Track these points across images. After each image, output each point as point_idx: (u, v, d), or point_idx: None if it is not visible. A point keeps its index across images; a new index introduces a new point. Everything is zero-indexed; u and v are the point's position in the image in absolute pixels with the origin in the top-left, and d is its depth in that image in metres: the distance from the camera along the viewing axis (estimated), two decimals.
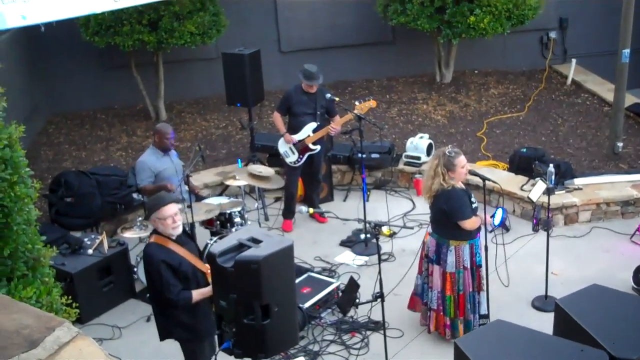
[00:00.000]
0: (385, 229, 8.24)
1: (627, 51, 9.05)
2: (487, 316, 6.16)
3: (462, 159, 5.83)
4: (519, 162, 9.02)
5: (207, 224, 7.43)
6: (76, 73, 12.08)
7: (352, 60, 12.85)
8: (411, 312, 6.57)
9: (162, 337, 5.33)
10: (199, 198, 7.63)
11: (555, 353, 3.85)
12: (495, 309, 6.39)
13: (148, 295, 7.12)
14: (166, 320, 5.22)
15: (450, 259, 5.96)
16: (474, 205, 5.93)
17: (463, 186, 5.95)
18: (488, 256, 6.04)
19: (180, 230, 5.12)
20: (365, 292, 6.42)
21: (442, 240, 5.98)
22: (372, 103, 8.05)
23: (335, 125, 8.21)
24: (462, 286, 6.02)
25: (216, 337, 4.33)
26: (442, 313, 6.13)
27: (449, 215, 5.84)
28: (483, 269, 6.05)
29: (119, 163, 10.31)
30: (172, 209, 5.03)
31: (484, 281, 6.09)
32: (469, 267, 5.99)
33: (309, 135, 8.24)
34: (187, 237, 5.34)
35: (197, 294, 5.02)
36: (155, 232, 5.13)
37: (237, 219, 7.39)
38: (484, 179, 5.95)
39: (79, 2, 7.07)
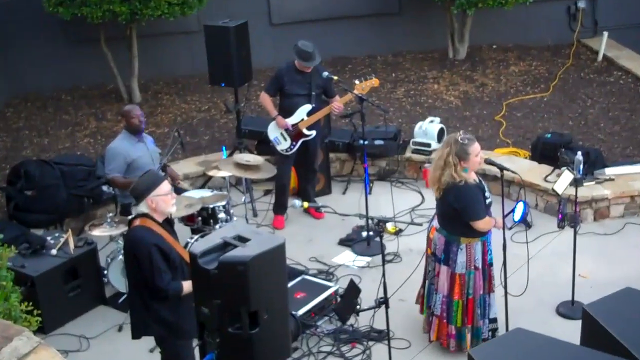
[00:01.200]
0: (390, 226, 8.24)
1: None
2: (496, 320, 6.19)
3: (476, 147, 5.83)
4: (543, 150, 9.03)
5: (187, 220, 7.42)
6: (37, 49, 12.03)
7: (353, 33, 12.84)
8: (416, 317, 6.59)
9: (137, 334, 5.41)
10: (178, 191, 7.62)
11: None
12: (515, 316, 6.41)
13: (124, 298, 7.18)
14: (146, 314, 5.30)
15: (461, 258, 5.98)
16: (487, 200, 5.94)
17: (476, 178, 5.95)
18: (507, 256, 6.05)
19: (175, 209, 5.42)
20: (367, 297, 6.43)
21: (452, 237, 5.99)
22: (374, 82, 8.04)
23: (340, 102, 8.20)
24: (471, 289, 6.04)
25: (197, 348, 4.34)
26: (445, 321, 6.15)
27: (460, 214, 5.85)
28: (495, 267, 6.07)
29: (87, 151, 10.29)
30: (167, 185, 5.34)
31: (495, 281, 6.11)
32: (480, 266, 6.01)
33: (302, 119, 8.23)
34: (168, 224, 5.46)
35: (188, 286, 5.08)
36: (141, 215, 5.27)
37: (222, 215, 7.40)
38: (502, 168, 5.95)
39: None
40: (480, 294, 6.08)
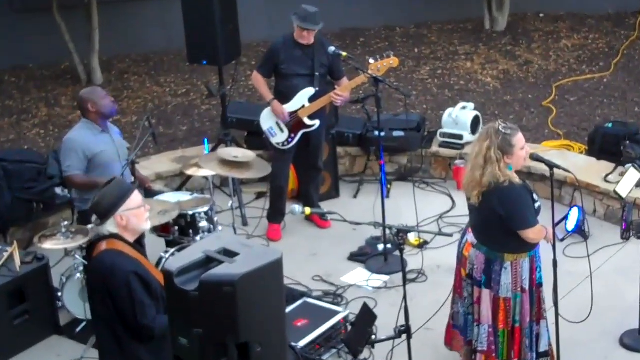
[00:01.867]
0: (412, 237, 8.23)
1: None
2: (548, 354, 6.17)
3: (521, 137, 5.82)
4: (603, 143, 9.02)
5: (160, 230, 7.42)
6: None
7: (366, 0, 12.84)
8: (452, 355, 6.56)
9: None
10: (150, 194, 7.62)
11: None
12: (570, 348, 6.39)
13: (82, 326, 7.17)
14: (122, 357, 5.22)
15: (505, 279, 5.95)
16: (536, 205, 5.93)
17: (518, 179, 5.93)
18: (558, 274, 6.04)
19: (150, 224, 5.34)
20: (384, 325, 6.41)
21: (494, 254, 5.96)
22: (393, 61, 8.03)
23: (342, 91, 8.20)
24: (518, 316, 6.03)
25: None
26: (494, 355, 6.13)
27: (506, 222, 5.83)
28: (545, 290, 6.05)
29: (36, 144, 10.29)
30: (138, 195, 5.24)
31: (545, 306, 6.09)
32: (527, 288, 5.99)
33: (303, 106, 8.23)
34: (138, 244, 5.41)
35: None
36: (108, 236, 5.17)
37: (204, 224, 7.39)
38: (552, 166, 5.92)
39: None
40: (528, 321, 6.06)
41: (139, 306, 5.03)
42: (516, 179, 5.86)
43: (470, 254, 6.08)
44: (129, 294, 5.03)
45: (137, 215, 5.17)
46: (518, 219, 5.82)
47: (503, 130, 5.77)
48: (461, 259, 6.18)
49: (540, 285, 6.07)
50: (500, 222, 5.83)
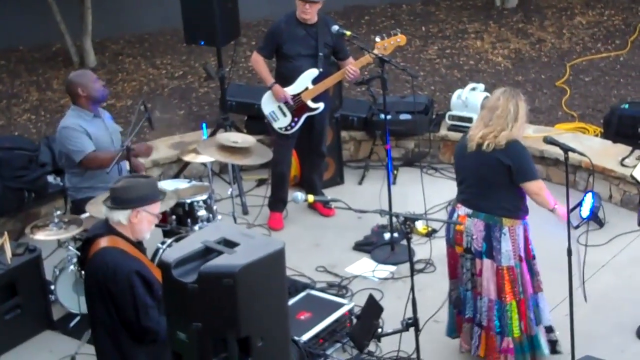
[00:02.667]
0: (420, 225, 8.24)
1: None
2: (553, 330, 6.25)
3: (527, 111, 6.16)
4: (619, 125, 9.01)
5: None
6: None
7: None
8: (457, 345, 6.61)
9: None
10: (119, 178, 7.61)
11: None
12: (584, 341, 6.40)
13: (76, 321, 7.19)
14: None
15: (506, 246, 6.06)
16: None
17: None
18: (572, 263, 6.05)
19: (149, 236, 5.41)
20: (391, 317, 6.43)
21: (492, 219, 6.07)
22: (400, 39, 8.03)
23: (355, 66, 8.17)
24: (521, 287, 6.11)
25: None
26: (494, 333, 6.18)
27: (513, 174, 5.99)
28: (558, 279, 6.10)
29: (27, 130, 10.29)
30: (159, 207, 5.37)
31: (541, 277, 6.18)
32: (524, 257, 6.12)
33: (307, 88, 8.23)
34: (140, 243, 5.43)
35: None
36: (108, 231, 5.20)
37: (202, 212, 7.40)
38: (566, 149, 5.94)
39: None
40: (531, 292, 6.13)
41: (142, 308, 5.06)
42: None
43: (467, 225, 6.17)
44: (132, 295, 5.06)
45: (148, 221, 5.27)
46: (527, 169, 6.03)
47: (524, 97, 6.13)
48: (454, 239, 6.28)
49: (534, 257, 6.20)
50: (503, 177, 5.98)
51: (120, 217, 5.18)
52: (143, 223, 5.24)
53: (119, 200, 5.18)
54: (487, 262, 6.12)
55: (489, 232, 6.08)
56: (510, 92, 6.10)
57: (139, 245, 5.33)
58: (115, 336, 5.19)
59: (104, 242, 5.17)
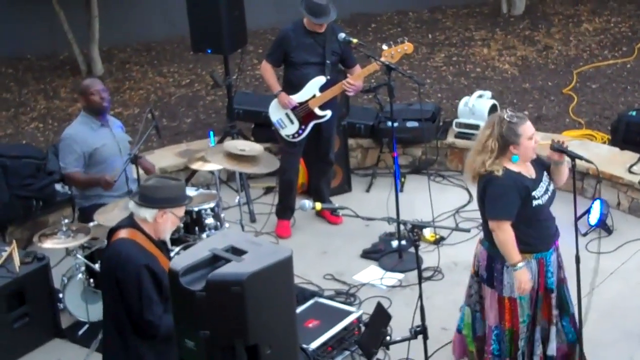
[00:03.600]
0: (428, 233, 8.23)
1: None
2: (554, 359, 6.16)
3: (528, 127, 5.77)
4: (627, 132, 9.00)
5: None
6: None
7: None
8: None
9: None
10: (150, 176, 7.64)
11: None
12: (592, 348, 6.39)
13: (85, 329, 7.19)
14: (125, 356, 5.25)
15: (508, 279, 5.90)
16: (534, 203, 5.82)
17: (532, 172, 5.87)
18: (580, 271, 6.03)
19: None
20: (399, 325, 6.42)
21: (494, 251, 5.92)
22: (408, 47, 8.03)
23: (354, 80, 8.19)
24: (527, 317, 6.01)
25: None
26: (490, 355, 6.15)
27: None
28: (555, 296, 6.01)
29: (35, 139, 10.31)
30: (183, 210, 5.45)
31: (555, 311, 6.05)
32: (535, 288, 5.95)
33: (314, 96, 8.23)
34: (163, 244, 5.48)
35: None
36: (129, 224, 5.26)
37: (210, 220, 7.40)
38: (573, 157, 5.91)
39: None
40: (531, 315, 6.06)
41: (146, 300, 5.10)
42: (516, 170, 5.81)
43: (477, 250, 6.10)
44: (138, 287, 5.10)
45: (172, 222, 5.33)
46: (489, 205, 5.81)
47: (508, 119, 5.74)
48: (474, 257, 6.20)
49: (552, 291, 6.00)
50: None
51: (146, 214, 5.23)
52: (167, 223, 5.30)
53: (148, 199, 5.23)
54: (488, 290, 6.04)
55: (490, 263, 5.96)
56: (489, 120, 6.00)
57: (161, 244, 5.38)
58: (121, 326, 5.24)
59: (123, 233, 5.25)
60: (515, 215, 5.77)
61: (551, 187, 5.92)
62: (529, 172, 5.86)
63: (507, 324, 6.03)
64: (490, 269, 5.97)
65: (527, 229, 5.84)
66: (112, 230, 5.37)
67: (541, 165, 5.98)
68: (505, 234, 5.76)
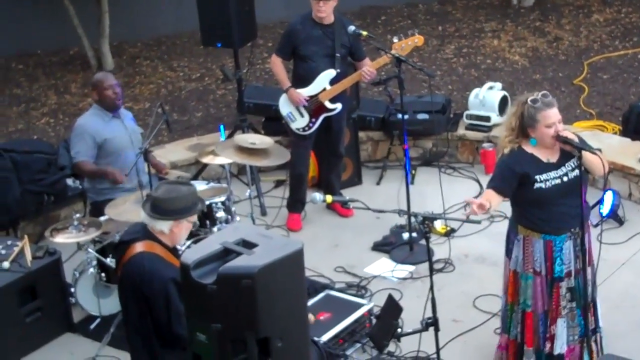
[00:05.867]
0: (439, 225, 8.23)
1: None
2: (562, 357, 6.07)
3: (549, 114, 5.76)
4: (638, 122, 8.98)
5: None
6: None
7: None
8: (481, 348, 6.60)
9: None
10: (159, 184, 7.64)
11: None
12: (604, 339, 6.38)
13: (97, 323, 7.21)
14: None
15: (517, 252, 6.01)
16: (539, 184, 5.85)
17: (549, 155, 5.87)
18: (591, 262, 6.03)
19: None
20: (410, 317, 6.42)
21: (512, 222, 6.12)
22: (418, 40, 8.02)
23: (372, 67, 8.16)
24: (529, 300, 6.03)
25: None
26: (502, 330, 6.24)
27: None
28: (565, 285, 6.00)
29: (46, 134, 10.33)
30: (196, 214, 5.44)
31: (564, 302, 6.03)
32: (543, 273, 5.98)
33: (324, 89, 8.23)
34: (175, 250, 5.45)
35: None
36: (146, 236, 5.23)
37: (221, 214, 7.41)
38: (579, 148, 5.86)
39: None
40: (542, 311, 6.03)
41: (175, 315, 5.06)
42: (524, 152, 5.87)
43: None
44: (166, 302, 5.08)
45: (187, 229, 5.35)
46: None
47: (531, 103, 5.79)
48: None
49: (560, 279, 6.01)
50: None
51: (162, 227, 5.22)
52: (182, 231, 5.31)
53: (162, 211, 5.20)
54: (506, 259, 6.13)
55: (508, 234, 6.11)
56: (516, 100, 6.11)
57: (174, 251, 5.35)
58: (148, 340, 5.21)
59: (140, 246, 5.20)
60: (513, 193, 5.93)
61: (572, 175, 5.89)
62: (549, 156, 5.88)
63: (510, 298, 6.10)
64: (508, 239, 6.12)
65: (532, 209, 5.93)
66: (125, 243, 5.33)
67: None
68: (488, 195, 5.95)
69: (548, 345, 6.07)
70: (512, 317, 6.12)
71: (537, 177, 5.84)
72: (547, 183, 5.85)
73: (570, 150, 5.83)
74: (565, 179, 5.88)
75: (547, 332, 6.06)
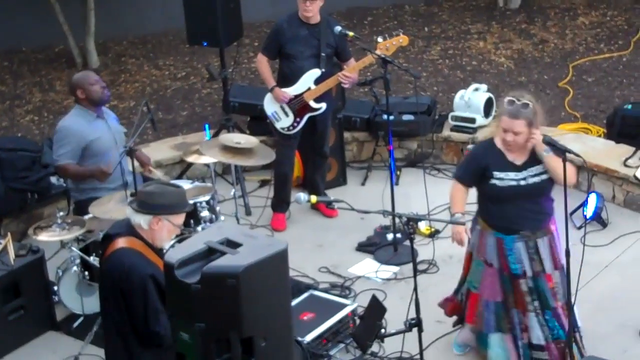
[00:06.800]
0: (423, 226, 8.25)
1: None
2: (543, 348, 6.19)
3: (503, 120, 5.94)
4: (622, 125, 9.01)
5: None
6: None
7: None
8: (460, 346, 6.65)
9: None
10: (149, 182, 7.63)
11: None
12: (587, 341, 6.41)
13: (80, 322, 7.20)
14: None
15: (474, 239, 6.29)
16: (493, 181, 6.01)
17: (516, 154, 5.99)
18: (572, 264, 6.04)
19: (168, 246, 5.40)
20: (394, 318, 6.43)
21: (476, 212, 6.38)
22: (403, 40, 8.03)
23: (350, 72, 8.19)
24: (476, 283, 6.26)
25: None
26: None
27: None
28: (525, 283, 6.08)
29: (30, 132, 10.30)
30: (183, 218, 5.38)
31: (529, 299, 6.10)
32: (496, 267, 6.15)
33: (309, 88, 8.23)
34: (160, 249, 5.42)
35: None
36: (128, 232, 5.20)
37: (205, 213, 7.41)
38: (563, 150, 5.88)
39: None
40: (495, 300, 6.18)
41: (152, 312, 5.05)
42: (491, 145, 6.12)
43: None
44: (144, 299, 5.06)
45: (169, 231, 5.27)
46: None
47: (505, 101, 6.00)
48: None
49: (517, 276, 6.11)
50: None
51: (141, 220, 5.18)
52: (163, 231, 5.23)
53: (143, 204, 5.18)
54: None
55: (473, 221, 6.40)
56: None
57: (159, 251, 5.30)
58: (125, 337, 5.19)
59: (121, 242, 5.18)
60: (471, 182, 6.25)
61: (532, 180, 6.01)
62: (515, 156, 6.04)
63: (464, 272, 6.48)
64: (472, 223, 6.40)
65: (488, 204, 6.20)
66: (108, 237, 5.31)
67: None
68: (452, 190, 6.37)
69: (525, 335, 6.21)
70: (460, 286, 6.50)
71: (494, 172, 6.04)
72: (502, 182, 6.04)
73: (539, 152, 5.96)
74: (522, 182, 6.03)
75: (522, 322, 6.17)
